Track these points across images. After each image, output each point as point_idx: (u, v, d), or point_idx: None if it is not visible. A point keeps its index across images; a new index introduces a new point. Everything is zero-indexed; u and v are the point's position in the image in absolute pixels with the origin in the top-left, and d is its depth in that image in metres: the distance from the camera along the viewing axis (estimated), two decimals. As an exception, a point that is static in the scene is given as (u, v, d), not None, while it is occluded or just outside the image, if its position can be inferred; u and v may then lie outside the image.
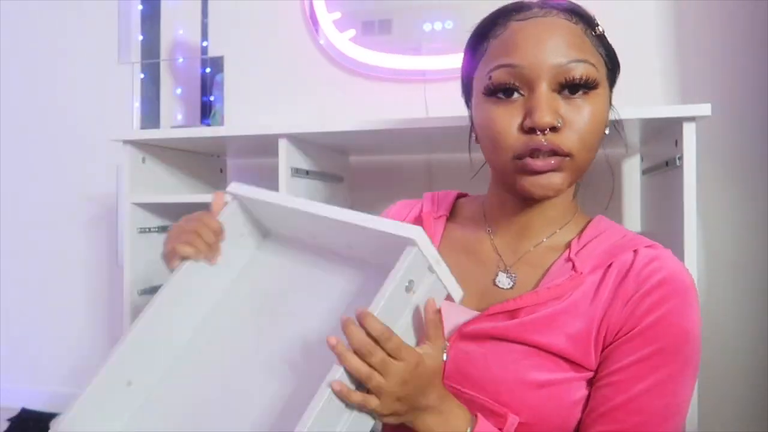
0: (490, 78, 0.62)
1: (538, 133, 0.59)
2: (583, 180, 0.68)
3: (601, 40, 0.64)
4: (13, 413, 1.89)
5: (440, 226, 0.75)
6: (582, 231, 0.67)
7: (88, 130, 1.86)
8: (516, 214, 0.69)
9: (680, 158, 1.00)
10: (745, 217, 1.37)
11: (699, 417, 0.96)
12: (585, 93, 0.60)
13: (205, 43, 1.75)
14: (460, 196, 0.81)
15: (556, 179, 0.61)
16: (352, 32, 1.61)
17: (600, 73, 0.62)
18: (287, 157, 1.20)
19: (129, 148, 1.31)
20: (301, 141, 1.25)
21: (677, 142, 1.02)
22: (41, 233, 1.92)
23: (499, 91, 0.61)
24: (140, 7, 1.81)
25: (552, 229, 0.68)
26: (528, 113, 0.60)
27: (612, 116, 0.67)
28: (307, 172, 1.29)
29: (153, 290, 1.36)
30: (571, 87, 0.60)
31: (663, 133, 1.13)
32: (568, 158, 0.60)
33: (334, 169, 1.47)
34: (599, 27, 0.64)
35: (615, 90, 0.67)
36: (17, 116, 1.94)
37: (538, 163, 0.60)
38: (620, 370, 0.58)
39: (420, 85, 1.55)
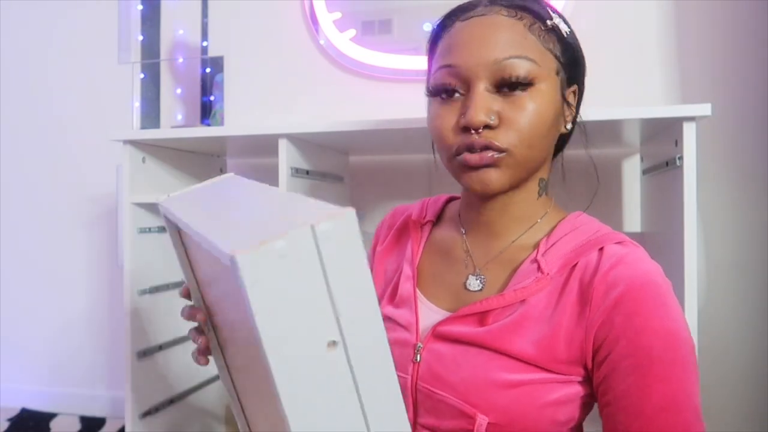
0: (434, 79, 0.64)
1: (472, 131, 0.60)
2: (551, 178, 0.67)
3: (554, 34, 0.63)
4: (13, 413, 1.89)
5: (425, 232, 0.75)
6: (553, 229, 0.66)
7: (88, 130, 1.86)
8: (481, 214, 0.68)
9: (680, 158, 1.00)
10: (745, 217, 1.37)
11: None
12: (524, 89, 0.60)
13: (205, 43, 1.75)
14: (452, 198, 0.81)
15: (493, 174, 0.61)
16: (352, 32, 1.61)
17: (544, 69, 0.61)
18: (287, 157, 1.20)
19: (129, 148, 1.31)
20: (301, 141, 1.25)
21: (677, 142, 1.01)
22: (41, 233, 1.92)
23: (442, 92, 0.63)
24: (140, 7, 1.81)
25: (520, 228, 0.67)
26: (463, 112, 0.61)
27: (573, 116, 0.66)
28: (307, 172, 1.29)
29: (153, 290, 1.37)
30: (509, 84, 0.60)
31: (663, 133, 1.13)
32: (504, 154, 0.60)
33: (334, 169, 1.47)
34: (551, 21, 0.63)
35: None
36: (17, 116, 1.94)
37: (474, 157, 0.60)
38: (625, 394, 0.57)
39: (420, 85, 1.55)
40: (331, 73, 1.64)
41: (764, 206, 1.36)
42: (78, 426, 1.81)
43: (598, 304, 0.58)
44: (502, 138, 0.60)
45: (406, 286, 0.71)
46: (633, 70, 1.41)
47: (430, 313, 0.68)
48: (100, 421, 1.82)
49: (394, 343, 0.68)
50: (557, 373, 0.59)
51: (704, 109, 0.97)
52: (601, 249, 0.60)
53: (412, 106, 1.55)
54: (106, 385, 1.88)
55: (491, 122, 0.59)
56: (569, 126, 0.65)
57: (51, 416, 1.87)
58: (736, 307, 1.38)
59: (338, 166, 1.50)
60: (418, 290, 0.71)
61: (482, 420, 0.59)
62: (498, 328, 0.61)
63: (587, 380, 0.61)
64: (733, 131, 1.37)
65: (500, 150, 0.60)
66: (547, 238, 0.65)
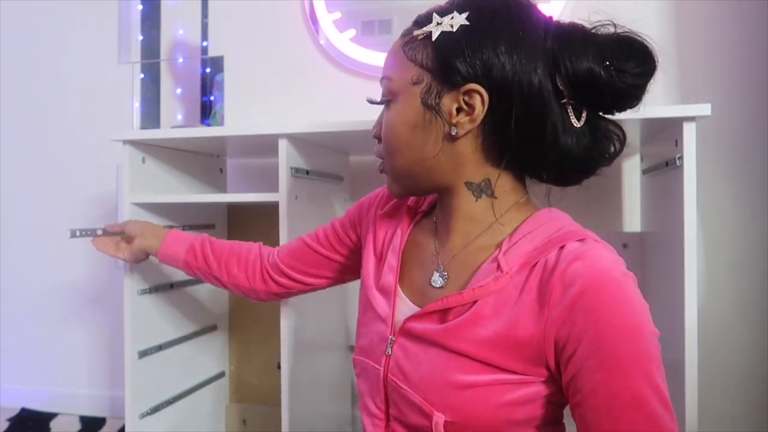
0: None
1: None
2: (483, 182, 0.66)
3: (427, 41, 0.64)
4: (13, 413, 1.89)
5: (414, 222, 0.77)
6: (517, 228, 0.65)
7: (88, 130, 1.86)
8: (441, 212, 0.72)
9: (680, 158, 1.00)
10: (745, 217, 1.38)
11: (699, 417, 0.96)
12: (387, 105, 0.68)
13: (205, 43, 1.75)
14: None
15: (389, 181, 0.71)
16: (352, 32, 1.61)
17: (396, 82, 0.66)
18: (287, 157, 1.20)
19: (129, 148, 1.31)
20: (301, 141, 1.25)
21: (677, 142, 1.02)
22: (41, 233, 1.92)
23: None
24: (140, 7, 1.81)
25: (474, 228, 0.67)
26: None
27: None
28: (307, 172, 1.29)
29: (153, 290, 1.37)
30: (381, 103, 0.70)
31: (663, 133, 1.13)
32: (384, 163, 0.70)
33: (334, 169, 1.47)
34: (423, 29, 0.64)
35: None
36: (17, 116, 1.94)
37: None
38: (592, 393, 0.56)
39: (420, 85, 1.55)
40: (331, 73, 1.65)
41: (764, 206, 1.36)
42: (78, 426, 1.81)
43: (556, 303, 0.57)
44: (380, 147, 0.70)
45: (388, 278, 0.73)
46: (633, 70, 1.41)
47: (404, 308, 0.70)
48: (100, 421, 1.83)
49: (374, 334, 0.72)
50: (515, 373, 0.60)
51: (704, 109, 0.98)
52: (562, 247, 0.60)
53: (412, 106, 1.55)
54: (106, 385, 1.88)
55: (374, 133, 0.71)
56: (467, 127, 0.62)
57: (51, 416, 1.87)
58: (736, 307, 1.38)
59: (338, 166, 1.50)
60: (397, 283, 0.73)
61: (439, 418, 0.61)
62: (455, 325, 0.62)
63: (551, 380, 0.61)
64: (733, 131, 1.37)
65: (381, 158, 0.71)
66: (510, 237, 0.65)
